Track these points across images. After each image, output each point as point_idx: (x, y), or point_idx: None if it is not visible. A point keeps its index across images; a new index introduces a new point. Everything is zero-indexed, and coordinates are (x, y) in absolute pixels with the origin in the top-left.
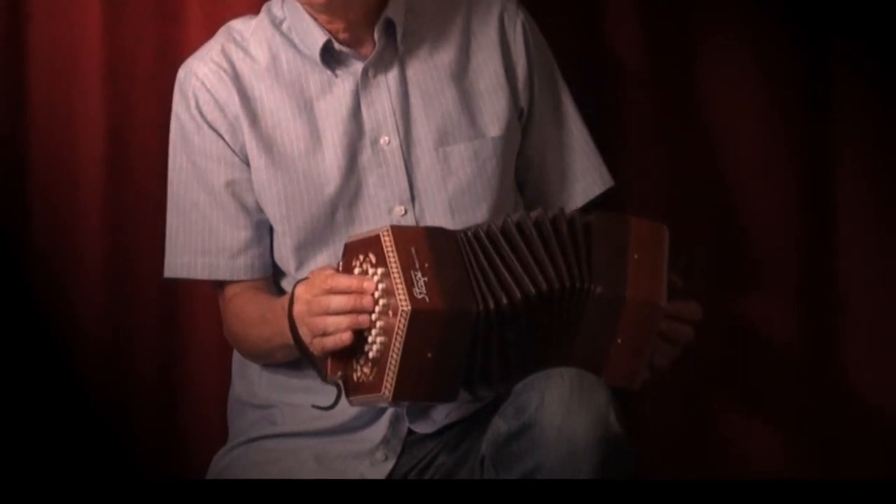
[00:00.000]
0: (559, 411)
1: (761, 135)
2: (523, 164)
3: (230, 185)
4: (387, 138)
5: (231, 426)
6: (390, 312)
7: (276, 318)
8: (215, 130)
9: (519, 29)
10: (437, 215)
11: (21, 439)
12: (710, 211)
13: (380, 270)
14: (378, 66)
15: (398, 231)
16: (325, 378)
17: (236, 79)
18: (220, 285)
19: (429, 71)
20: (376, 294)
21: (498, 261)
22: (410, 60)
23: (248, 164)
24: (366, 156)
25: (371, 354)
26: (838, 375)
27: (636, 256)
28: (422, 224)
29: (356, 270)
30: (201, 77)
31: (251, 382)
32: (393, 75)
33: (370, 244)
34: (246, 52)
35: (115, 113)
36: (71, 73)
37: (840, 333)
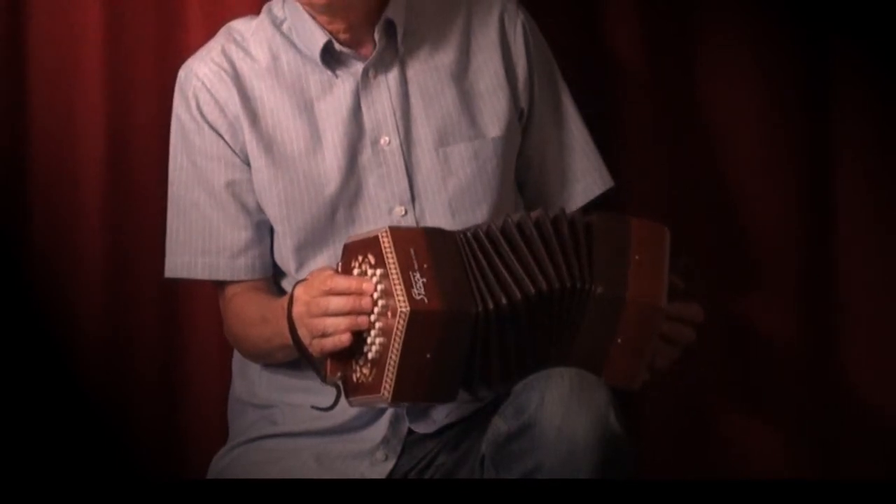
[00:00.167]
0: (559, 411)
1: (761, 135)
2: (523, 165)
3: (230, 185)
4: (387, 138)
5: (231, 426)
6: (389, 313)
7: (276, 319)
8: (216, 131)
9: (519, 29)
10: (437, 216)
11: (21, 439)
12: (710, 211)
13: (379, 271)
14: (378, 66)
15: (397, 232)
16: (324, 379)
17: (237, 79)
18: (220, 285)
19: (429, 71)
20: (375, 295)
21: (497, 261)
22: (411, 61)
23: (248, 164)
24: (366, 156)
25: (370, 355)
26: (838, 375)
27: (637, 257)
28: (422, 224)
29: (355, 271)
30: (202, 77)
31: (251, 382)
32: (393, 76)
33: (369, 245)
34: (246, 52)
35: (115, 113)
36: (71, 74)
37: (840, 333)
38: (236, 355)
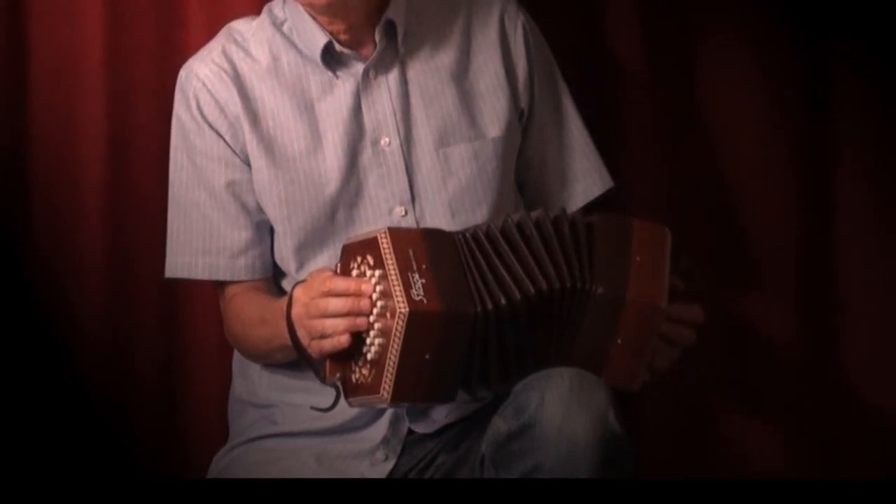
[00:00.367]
0: (559, 411)
1: (761, 135)
2: (523, 165)
3: (231, 185)
4: (387, 139)
5: (232, 426)
6: (388, 314)
7: (276, 320)
8: (216, 131)
9: (519, 30)
10: (437, 216)
11: (21, 439)
12: (710, 211)
13: (377, 272)
14: (379, 66)
15: (396, 233)
16: (323, 380)
17: (237, 79)
18: (220, 285)
19: (429, 72)
20: (374, 296)
21: (497, 261)
22: (411, 61)
23: (248, 164)
24: (366, 156)
25: (369, 356)
26: (838, 375)
27: (638, 258)
28: (422, 225)
29: (354, 272)
30: (202, 78)
31: (252, 382)
32: (394, 76)
33: (368, 246)
34: (247, 52)
35: (115, 113)
36: (71, 74)
37: (840, 333)
38: (237, 355)
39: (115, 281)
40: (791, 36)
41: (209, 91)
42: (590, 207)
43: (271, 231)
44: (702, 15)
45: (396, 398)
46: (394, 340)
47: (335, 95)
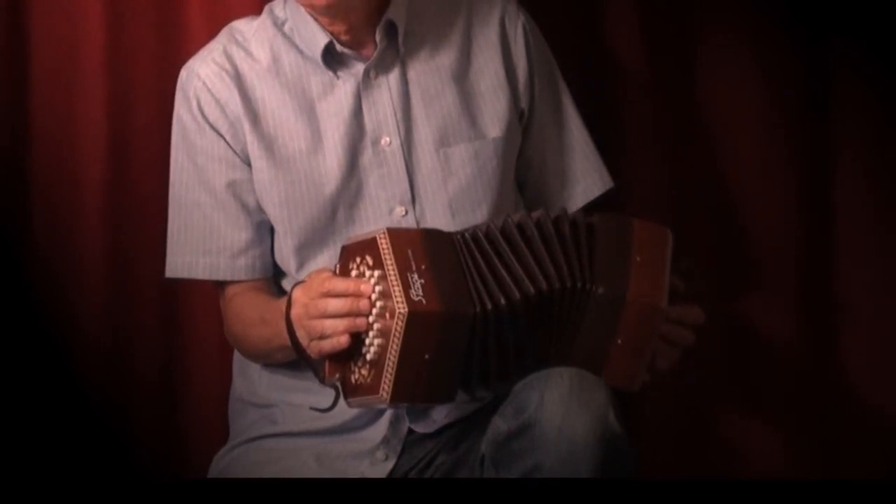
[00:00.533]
0: (559, 411)
1: (761, 135)
2: (523, 165)
3: (231, 185)
4: (388, 139)
5: (232, 425)
6: (387, 315)
7: (275, 320)
8: (216, 131)
9: (520, 30)
10: (437, 216)
11: (21, 439)
12: (710, 211)
13: (377, 273)
14: (379, 67)
15: (395, 233)
16: (322, 380)
17: (238, 79)
18: (220, 285)
19: (430, 72)
20: (373, 296)
21: (496, 261)
22: (412, 62)
23: (249, 164)
24: (367, 156)
25: (368, 356)
26: (838, 375)
27: (639, 258)
28: (422, 225)
29: (353, 273)
30: (203, 77)
31: (252, 382)
32: (394, 76)
33: (367, 247)
34: (248, 52)
35: (115, 113)
36: (72, 74)
37: (840, 333)
38: (237, 355)
39: (115, 281)
40: (791, 36)
41: (210, 91)
42: (590, 208)
43: (271, 231)
44: (702, 15)
45: (396, 398)
46: (393, 341)
47: (336, 95)
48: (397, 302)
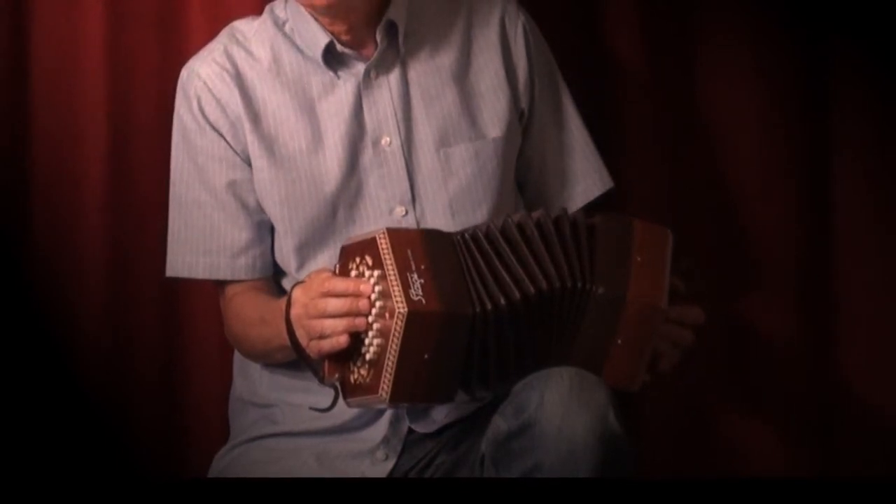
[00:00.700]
0: (559, 410)
1: (761, 135)
2: (523, 165)
3: (231, 185)
4: (388, 139)
5: (232, 425)
6: (387, 314)
7: (275, 320)
8: (217, 131)
9: (520, 31)
10: (437, 216)
11: (21, 439)
12: (710, 211)
13: (376, 273)
14: (380, 67)
15: (394, 233)
16: (322, 380)
17: (239, 79)
18: (220, 285)
19: (430, 72)
20: (373, 296)
21: (496, 261)
22: (412, 62)
23: (249, 164)
24: (367, 156)
25: (368, 356)
26: (838, 375)
27: (639, 259)
28: (422, 225)
29: (353, 273)
30: (204, 77)
31: (252, 381)
32: (394, 76)
33: (367, 247)
34: (248, 52)
35: (116, 113)
36: (73, 74)
37: (839, 333)
38: (237, 354)
39: (115, 281)
40: (791, 36)
41: (210, 91)
42: (590, 208)
43: (272, 231)
44: (702, 15)
45: (395, 398)
46: (392, 341)
47: (336, 95)
48: (397, 302)
